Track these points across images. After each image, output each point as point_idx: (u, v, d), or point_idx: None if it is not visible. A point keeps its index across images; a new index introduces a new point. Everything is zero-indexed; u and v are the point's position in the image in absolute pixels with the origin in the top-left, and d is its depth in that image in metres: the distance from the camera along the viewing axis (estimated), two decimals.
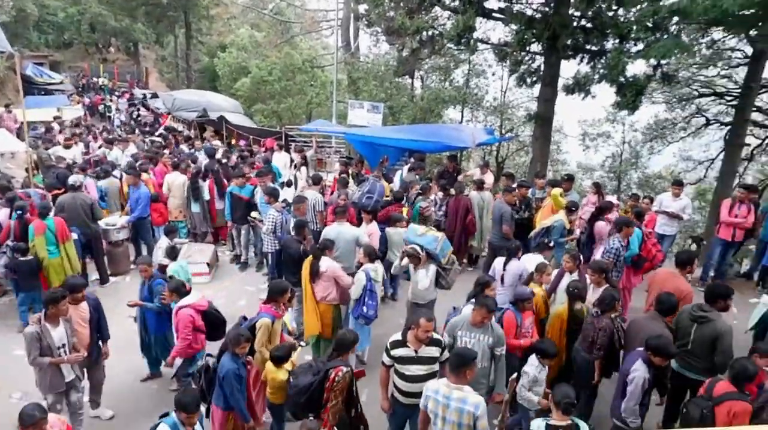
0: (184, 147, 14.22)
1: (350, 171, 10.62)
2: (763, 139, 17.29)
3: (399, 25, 13.29)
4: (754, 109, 15.87)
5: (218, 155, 12.03)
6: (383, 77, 18.81)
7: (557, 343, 5.33)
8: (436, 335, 4.43)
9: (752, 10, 9.91)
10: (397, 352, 4.33)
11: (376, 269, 6.24)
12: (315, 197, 8.53)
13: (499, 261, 6.66)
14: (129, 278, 8.71)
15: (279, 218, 7.67)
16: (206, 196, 9.78)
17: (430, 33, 14.53)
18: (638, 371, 4.31)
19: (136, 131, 18.96)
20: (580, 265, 6.10)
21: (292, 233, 7.16)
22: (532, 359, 4.72)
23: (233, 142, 17.26)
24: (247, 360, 4.56)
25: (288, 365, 4.65)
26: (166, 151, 12.69)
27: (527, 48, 12.66)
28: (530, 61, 13.78)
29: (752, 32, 11.72)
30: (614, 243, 6.72)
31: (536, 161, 13.37)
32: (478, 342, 4.58)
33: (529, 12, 12.55)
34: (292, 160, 12.37)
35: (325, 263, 6.11)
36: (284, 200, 8.49)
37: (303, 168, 11.62)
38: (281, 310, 5.09)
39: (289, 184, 10.69)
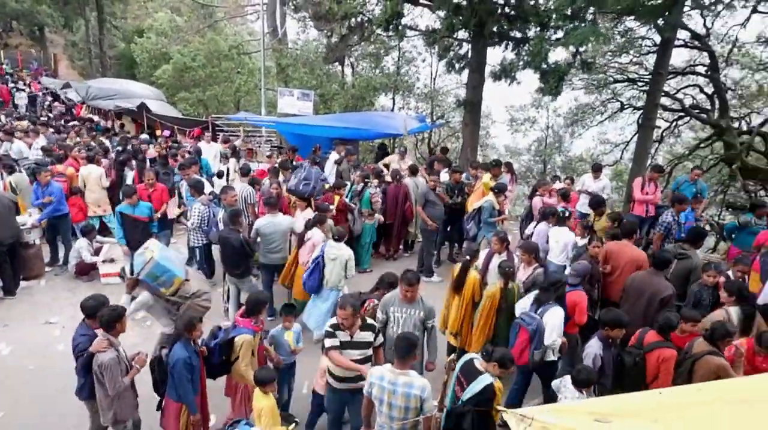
0: (104, 140, 13.33)
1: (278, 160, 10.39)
2: (671, 122, 18.64)
3: (326, 10, 13.06)
4: (663, 94, 17.08)
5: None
6: (313, 64, 18.47)
7: (487, 322, 5.56)
8: (370, 320, 4.46)
9: (660, 1, 10.59)
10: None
11: (336, 247, 6.34)
12: (245, 189, 8.27)
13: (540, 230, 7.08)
14: (44, 281, 8.08)
15: (205, 211, 7.38)
16: None
17: (358, 19, 14.41)
18: (591, 348, 4.61)
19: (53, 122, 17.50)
20: (508, 246, 6.33)
21: (224, 225, 6.93)
22: (570, 390, 4.25)
23: (157, 132, 16.38)
24: (200, 350, 4.39)
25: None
26: (79, 141, 11.84)
27: (454, 34, 12.85)
28: (458, 48, 14.00)
29: (660, 21, 12.52)
30: (667, 217, 7.29)
31: (467, 147, 13.66)
32: (410, 316, 4.73)
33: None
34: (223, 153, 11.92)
35: (312, 233, 6.70)
36: (211, 193, 8.17)
37: (232, 159, 11.24)
38: (260, 323, 4.74)
39: (219, 175, 10.33)
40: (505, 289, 5.61)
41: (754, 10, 13.59)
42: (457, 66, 13.97)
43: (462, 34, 13.53)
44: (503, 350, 4.16)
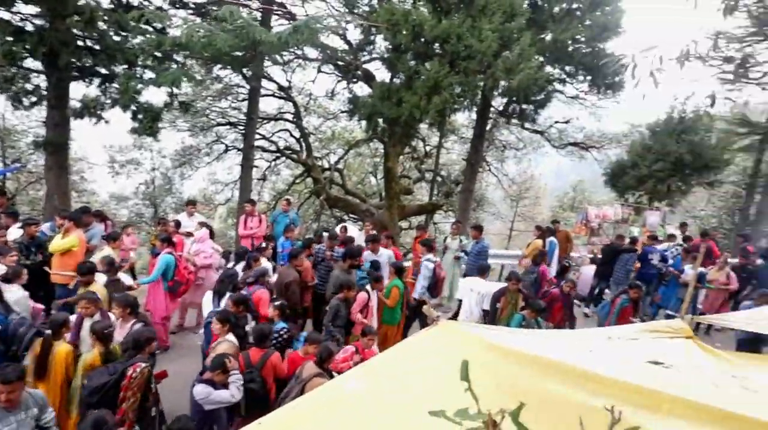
0: None
1: None
2: (271, 162, 20.80)
3: None
4: (260, 137, 18.86)
5: None
6: None
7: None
8: None
9: (242, 52, 11.56)
10: None
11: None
12: None
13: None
14: None
15: None
16: None
17: None
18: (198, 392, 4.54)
19: None
20: (101, 305, 5.55)
21: None
22: None
23: None
24: None
25: None
26: None
27: (19, 63, 10.79)
28: (25, 80, 11.77)
29: (246, 71, 13.76)
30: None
31: (53, 194, 11.56)
32: (20, 424, 3.72)
33: (17, 22, 10.65)
34: None
35: None
36: None
37: None
38: None
39: None
40: (106, 352, 4.88)
41: (319, 70, 16.58)
42: (26, 101, 11.71)
43: (33, 64, 11.48)
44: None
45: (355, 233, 10.38)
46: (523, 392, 3.09)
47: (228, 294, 6.16)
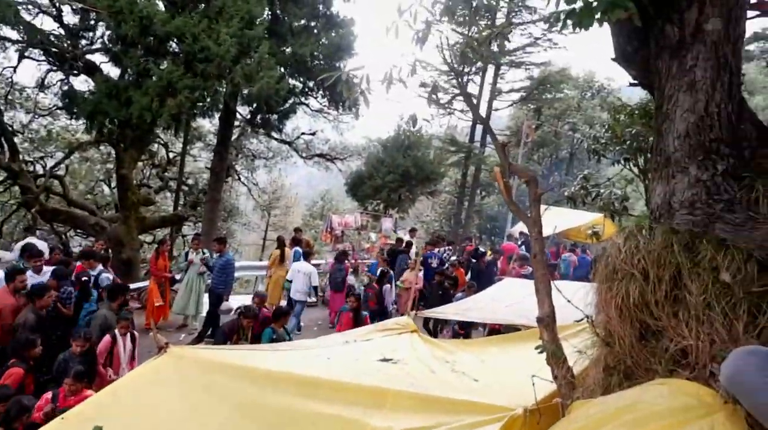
0: None
1: None
2: None
3: None
4: None
5: None
6: None
7: None
8: None
9: None
10: None
11: None
12: None
13: None
14: None
15: None
16: None
17: None
18: None
19: None
20: None
21: None
22: None
23: None
24: None
25: None
26: None
27: None
28: None
29: None
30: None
31: None
32: None
33: None
34: None
35: None
36: None
37: None
38: None
39: None
40: None
41: (23, 56, 13.70)
42: None
43: None
44: None
45: None
46: (255, 410, 2.98)
47: None
